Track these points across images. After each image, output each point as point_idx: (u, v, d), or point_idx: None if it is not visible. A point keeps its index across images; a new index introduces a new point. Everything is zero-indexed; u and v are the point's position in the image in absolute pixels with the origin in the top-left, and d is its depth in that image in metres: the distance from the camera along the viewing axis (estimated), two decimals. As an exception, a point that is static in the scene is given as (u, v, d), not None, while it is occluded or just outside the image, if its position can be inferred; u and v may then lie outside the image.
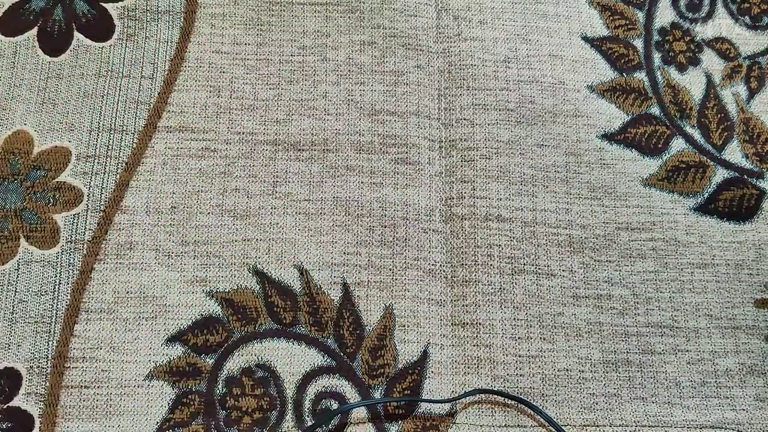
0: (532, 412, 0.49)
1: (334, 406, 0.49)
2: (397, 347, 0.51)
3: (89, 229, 0.52)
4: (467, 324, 0.51)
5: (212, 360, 0.50)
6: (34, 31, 0.57)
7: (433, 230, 0.54)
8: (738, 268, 0.54)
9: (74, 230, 0.52)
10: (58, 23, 0.57)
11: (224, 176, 0.54)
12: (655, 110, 0.58)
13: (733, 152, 0.57)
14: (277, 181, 0.54)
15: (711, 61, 0.60)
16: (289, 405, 0.49)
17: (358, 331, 0.51)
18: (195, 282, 0.51)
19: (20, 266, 0.51)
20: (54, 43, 0.56)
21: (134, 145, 0.54)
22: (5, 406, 0.48)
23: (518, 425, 0.49)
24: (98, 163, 0.53)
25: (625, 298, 0.53)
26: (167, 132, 0.54)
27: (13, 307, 0.50)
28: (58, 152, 0.53)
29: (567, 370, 0.51)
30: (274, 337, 0.50)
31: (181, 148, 0.54)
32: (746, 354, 0.52)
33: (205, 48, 0.57)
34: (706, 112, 0.58)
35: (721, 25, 0.61)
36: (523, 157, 0.56)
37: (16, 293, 0.50)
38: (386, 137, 0.55)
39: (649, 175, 0.56)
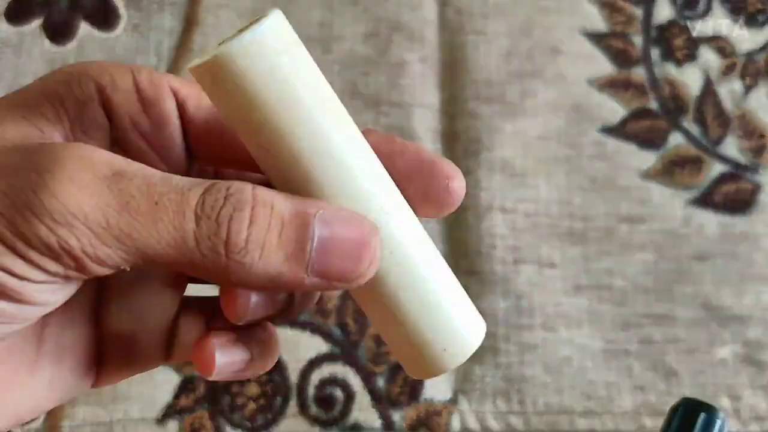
0: (535, 399, 0.50)
1: (338, 392, 0.50)
2: (401, 335, 0.51)
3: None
4: (469, 313, 0.52)
5: (217, 347, 0.50)
6: (40, 19, 0.57)
7: (435, 221, 0.54)
8: (734, 259, 0.55)
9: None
10: (63, 12, 0.57)
11: (229, 165, 0.54)
12: (654, 105, 0.59)
13: (729, 147, 0.58)
14: (281, 171, 0.54)
15: (708, 57, 0.61)
16: (293, 391, 0.49)
17: (361, 319, 0.51)
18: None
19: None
20: (60, 32, 0.56)
21: (139, 134, 0.54)
22: (11, 391, 0.48)
23: (521, 412, 0.50)
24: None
25: (624, 288, 0.54)
26: (172, 121, 0.55)
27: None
28: (64, 140, 0.54)
29: (568, 358, 0.51)
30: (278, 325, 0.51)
31: (187, 137, 0.54)
32: (741, 344, 0.53)
33: (209, 38, 0.58)
34: (703, 108, 0.59)
35: (718, 23, 0.63)
36: (524, 150, 0.56)
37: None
38: (390, 128, 0.56)
39: (648, 169, 0.57)
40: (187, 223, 0.17)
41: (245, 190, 0.18)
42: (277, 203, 0.18)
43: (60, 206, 0.17)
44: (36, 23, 0.57)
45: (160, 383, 0.49)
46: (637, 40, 0.61)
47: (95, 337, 0.24)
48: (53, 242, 0.17)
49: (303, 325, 0.51)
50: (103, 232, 0.17)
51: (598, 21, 0.61)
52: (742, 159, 0.58)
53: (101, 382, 0.24)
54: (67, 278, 0.18)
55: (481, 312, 0.24)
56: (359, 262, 0.19)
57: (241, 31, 0.20)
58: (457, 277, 0.23)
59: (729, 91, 0.60)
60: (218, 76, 0.19)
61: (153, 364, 0.25)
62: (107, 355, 0.24)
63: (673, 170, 0.57)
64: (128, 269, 0.18)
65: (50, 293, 0.19)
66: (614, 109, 0.58)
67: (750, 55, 0.61)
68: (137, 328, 0.24)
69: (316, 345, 0.50)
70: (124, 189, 0.17)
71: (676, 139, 0.58)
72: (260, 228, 0.18)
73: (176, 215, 0.17)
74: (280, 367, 0.50)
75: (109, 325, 0.24)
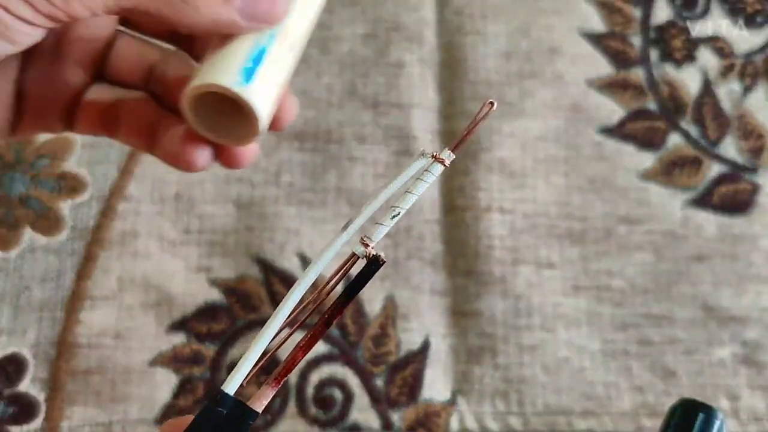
0: (534, 399, 0.50)
1: (337, 393, 0.50)
2: (399, 336, 0.51)
3: (93, 218, 0.52)
4: (468, 314, 0.52)
5: (216, 347, 0.50)
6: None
7: (434, 221, 0.54)
8: (732, 260, 0.55)
9: (78, 218, 0.52)
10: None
11: (228, 166, 0.54)
12: (652, 106, 0.59)
13: (728, 148, 0.58)
14: (280, 171, 0.54)
15: (707, 58, 0.61)
16: (292, 392, 0.49)
17: (360, 320, 0.51)
18: (198, 270, 0.52)
19: (25, 253, 0.51)
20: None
21: (138, 135, 0.54)
22: (11, 391, 0.48)
23: (519, 413, 0.50)
24: (102, 152, 0.54)
25: (622, 289, 0.54)
26: (171, 122, 0.55)
27: (18, 294, 0.50)
28: (63, 141, 0.54)
29: (566, 359, 0.51)
30: (277, 325, 0.51)
31: (185, 137, 0.55)
32: (739, 344, 0.53)
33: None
34: (702, 109, 0.59)
35: (717, 23, 0.63)
36: (523, 150, 0.56)
37: (21, 280, 0.50)
38: (388, 129, 0.56)
39: (647, 169, 0.57)
40: None
41: None
42: None
43: None
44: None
45: (159, 384, 0.49)
46: (636, 40, 0.61)
47: (16, 93, 0.31)
48: None
49: (301, 326, 0.51)
50: None
51: (596, 21, 0.61)
52: (740, 160, 0.58)
53: (18, 131, 0.32)
54: (53, 20, 0.25)
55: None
56: (276, 5, 0.27)
57: None
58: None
59: (728, 91, 0.60)
60: None
61: (57, 125, 0.32)
62: (23, 110, 0.31)
63: (671, 171, 0.57)
64: (100, 14, 0.25)
65: (27, 35, 0.25)
66: (613, 110, 0.58)
67: (749, 56, 0.61)
68: (48, 92, 0.31)
69: (315, 345, 0.50)
70: None
71: (674, 140, 0.58)
72: None
73: None
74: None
75: (27, 86, 0.31)
